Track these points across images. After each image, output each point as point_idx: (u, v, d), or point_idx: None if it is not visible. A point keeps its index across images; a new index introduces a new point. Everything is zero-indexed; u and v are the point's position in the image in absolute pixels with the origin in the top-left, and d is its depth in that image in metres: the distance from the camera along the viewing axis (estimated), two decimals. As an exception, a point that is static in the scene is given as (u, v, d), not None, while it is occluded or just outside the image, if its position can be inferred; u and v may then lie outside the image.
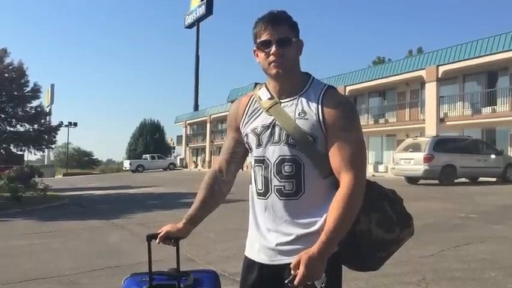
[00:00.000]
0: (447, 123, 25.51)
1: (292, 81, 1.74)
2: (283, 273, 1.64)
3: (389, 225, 1.70)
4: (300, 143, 1.66)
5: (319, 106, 1.68)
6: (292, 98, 1.73)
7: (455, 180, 17.48)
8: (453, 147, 17.77)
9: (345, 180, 1.60)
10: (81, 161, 74.88)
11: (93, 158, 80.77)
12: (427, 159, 16.92)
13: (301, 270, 1.47)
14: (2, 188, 17.89)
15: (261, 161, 1.74)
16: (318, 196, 1.65)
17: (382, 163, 31.15)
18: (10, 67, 20.90)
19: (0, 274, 5.85)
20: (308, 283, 1.50)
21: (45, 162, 62.91)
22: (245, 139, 1.81)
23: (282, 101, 1.75)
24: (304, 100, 1.71)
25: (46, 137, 22.05)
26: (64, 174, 50.14)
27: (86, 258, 6.68)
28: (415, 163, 17.31)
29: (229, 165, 1.90)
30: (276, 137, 1.71)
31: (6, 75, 20.67)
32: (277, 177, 1.69)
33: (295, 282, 1.47)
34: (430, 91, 26.15)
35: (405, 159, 17.87)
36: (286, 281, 1.51)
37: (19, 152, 24.07)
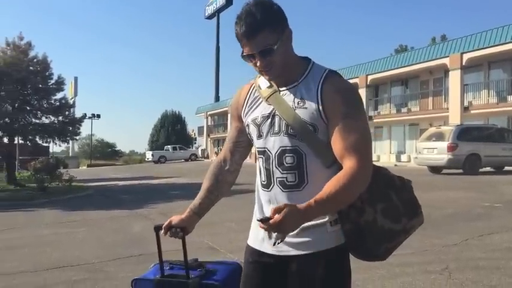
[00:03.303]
0: (471, 111, 25.02)
1: (288, 72, 1.67)
2: (288, 265, 1.63)
3: (395, 216, 1.63)
4: (300, 133, 1.60)
5: (319, 94, 1.61)
6: (291, 86, 1.67)
7: (480, 170, 17.18)
8: (477, 136, 17.46)
9: (348, 163, 1.53)
10: (105, 152, 75.94)
11: (116, 149, 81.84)
12: (451, 148, 16.66)
13: (278, 217, 1.40)
14: (28, 179, 18.33)
15: (262, 153, 1.69)
16: (321, 186, 1.54)
17: (404, 153, 30.80)
18: (35, 60, 21.22)
19: (28, 262, 6.00)
20: (275, 231, 1.45)
21: (70, 154, 64.07)
22: (247, 129, 1.77)
23: (281, 89, 1.68)
24: (303, 88, 1.64)
25: (70, 128, 22.37)
26: (88, 166, 51.01)
27: (111, 247, 6.81)
28: (438, 152, 17.07)
29: (233, 155, 1.86)
30: (276, 128, 1.65)
31: (31, 68, 21.00)
32: (279, 169, 1.64)
33: (270, 221, 1.41)
34: (454, 79, 25.66)
35: (428, 148, 17.63)
36: (257, 219, 1.48)
37: (44, 144, 24.51)
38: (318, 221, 1.59)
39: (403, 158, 30.03)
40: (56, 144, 23.67)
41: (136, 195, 15.17)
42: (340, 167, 1.56)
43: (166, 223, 1.82)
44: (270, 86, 1.71)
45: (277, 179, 1.64)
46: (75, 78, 46.87)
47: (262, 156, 1.69)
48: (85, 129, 66.32)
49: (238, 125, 1.83)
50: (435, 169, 17.84)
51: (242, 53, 1.63)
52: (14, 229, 9.08)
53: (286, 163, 1.62)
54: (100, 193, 16.59)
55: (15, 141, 23.13)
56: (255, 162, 1.74)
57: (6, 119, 20.24)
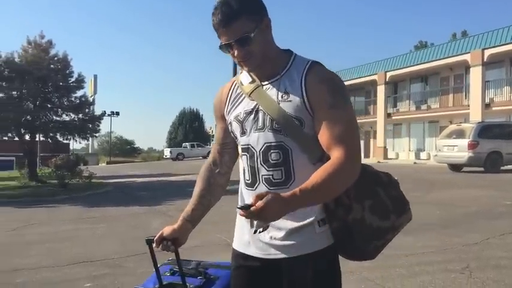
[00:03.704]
0: (493, 108, 24.61)
1: (269, 64, 1.60)
2: (277, 269, 1.57)
3: (384, 213, 1.59)
4: (286, 127, 1.53)
5: (303, 85, 1.54)
6: (274, 80, 1.60)
7: (501, 168, 16.89)
8: (499, 134, 17.14)
9: (335, 154, 1.46)
10: (124, 149, 76.72)
11: (135, 146, 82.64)
12: (472, 145, 16.41)
13: (260, 203, 1.32)
14: (49, 176, 18.62)
15: (246, 150, 1.62)
16: None
17: (424, 150, 30.48)
18: (55, 58, 21.53)
19: (49, 257, 6.11)
20: (256, 219, 1.37)
21: (90, 151, 64.81)
22: (229, 127, 1.70)
23: (263, 83, 1.62)
24: (286, 80, 1.58)
25: (90, 126, 22.65)
26: (107, 163, 51.57)
27: (130, 243, 6.88)
28: (458, 150, 16.83)
29: (222, 156, 1.80)
30: (260, 123, 1.58)
31: (51, 66, 21.30)
32: (265, 166, 1.57)
33: (251, 208, 1.34)
34: (475, 76, 25.26)
35: (448, 146, 17.40)
36: (238, 206, 1.38)
37: (65, 141, 24.91)
38: (306, 221, 1.53)
39: (423, 155, 29.73)
40: (76, 141, 24.08)
41: (154, 192, 15.29)
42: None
43: (158, 235, 1.74)
44: (252, 81, 1.65)
45: (263, 177, 1.58)
46: (95, 76, 47.33)
47: (246, 153, 1.62)
48: (104, 126, 66.87)
49: (223, 126, 1.76)
50: (455, 167, 17.60)
51: (219, 46, 1.58)
52: (36, 225, 9.24)
53: (272, 160, 1.56)
54: (119, 190, 16.78)
55: (37, 139, 23.50)
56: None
57: (28, 117, 20.58)
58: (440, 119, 28.95)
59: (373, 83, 33.36)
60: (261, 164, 1.58)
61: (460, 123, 20.51)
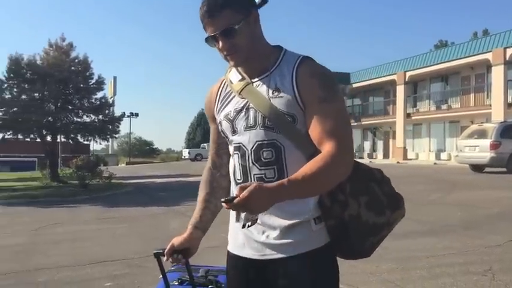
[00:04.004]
0: (516, 108, 24.17)
1: (258, 59, 1.56)
2: (273, 270, 1.52)
3: (379, 208, 1.55)
4: (278, 124, 1.49)
5: (294, 80, 1.50)
6: (264, 76, 1.56)
7: (525, 169, 16.55)
8: (522, 134, 16.82)
9: (327, 147, 1.42)
10: (143, 150, 77.47)
11: (154, 147, 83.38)
12: (494, 146, 16.13)
13: (244, 194, 1.28)
14: (70, 176, 18.90)
15: (238, 149, 1.58)
16: None
17: (444, 151, 30.07)
18: (76, 60, 21.85)
19: (70, 257, 6.19)
20: (241, 210, 1.33)
21: (109, 152, 65.54)
22: (219, 127, 1.66)
23: (253, 80, 1.57)
24: (277, 76, 1.54)
25: (110, 127, 22.90)
26: (127, 163, 52.12)
27: (149, 242, 6.93)
28: (480, 150, 16.56)
29: (220, 157, 1.75)
30: (251, 121, 1.54)
31: (72, 68, 21.59)
32: (257, 165, 1.53)
33: (235, 201, 1.29)
34: (497, 75, 24.83)
35: (470, 146, 17.14)
36: (222, 200, 1.32)
37: (85, 142, 25.21)
38: (302, 219, 1.49)
39: (443, 156, 29.34)
40: (96, 142, 24.27)
41: (173, 192, 15.39)
42: None
43: (168, 248, 1.69)
44: (242, 79, 1.61)
45: (255, 176, 1.53)
46: (114, 78, 47.85)
47: (237, 152, 1.58)
48: (124, 127, 67.71)
49: (216, 126, 1.71)
50: (477, 168, 17.33)
51: (205, 39, 1.54)
52: (57, 224, 9.37)
53: (264, 158, 1.51)
54: (138, 190, 16.93)
55: (58, 140, 23.87)
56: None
57: (50, 118, 20.90)
58: (461, 119, 28.54)
59: (393, 83, 33.05)
60: (253, 163, 1.53)
61: (482, 123, 20.15)
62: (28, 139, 22.74)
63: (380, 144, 37.90)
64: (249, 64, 1.57)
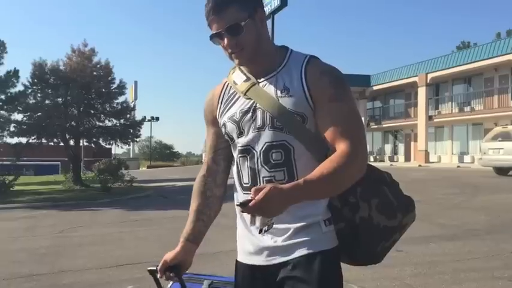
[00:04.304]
0: (541, 109, 23.65)
1: (264, 59, 1.53)
2: (280, 272, 1.47)
3: (390, 211, 1.50)
4: (288, 124, 1.45)
5: (303, 79, 1.47)
6: (270, 76, 1.52)
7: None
8: (548, 136, 16.46)
9: (342, 146, 1.39)
10: (163, 153, 78.14)
11: (174, 151, 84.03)
12: (519, 148, 15.81)
13: (259, 196, 1.24)
14: (93, 180, 19.16)
15: (245, 151, 1.52)
16: None
17: (468, 153, 29.59)
18: (98, 66, 22.19)
19: (93, 260, 6.27)
20: (257, 214, 1.28)
21: (131, 155, 66.36)
22: (223, 130, 1.59)
23: (259, 80, 1.53)
24: (284, 75, 1.50)
25: (131, 131, 23.18)
26: (148, 167, 52.65)
27: (171, 245, 6.92)
28: (505, 153, 16.26)
29: (218, 164, 1.68)
30: (259, 122, 1.49)
31: (94, 73, 21.95)
32: (266, 167, 1.48)
33: (250, 204, 1.25)
34: (522, 76, 24.34)
35: (494, 149, 16.83)
36: (237, 203, 1.26)
37: (107, 146, 25.59)
38: (311, 220, 1.45)
39: (466, 159, 28.88)
40: (117, 146, 24.60)
41: (194, 195, 15.44)
42: None
43: (160, 264, 1.63)
44: (247, 80, 1.56)
45: (264, 179, 1.48)
46: (135, 82, 48.48)
47: (245, 155, 1.52)
48: (145, 131, 68.56)
49: (216, 130, 1.65)
50: (501, 170, 17.00)
51: (209, 37, 1.51)
52: (80, 227, 9.50)
53: (273, 160, 1.47)
54: (159, 193, 17.06)
55: (80, 144, 24.23)
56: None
57: (73, 123, 21.26)
58: (484, 121, 28.05)
59: (414, 85, 32.68)
60: (262, 165, 1.49)
61: (506, 125, 19.80)
62: (52, 143, 23.15)
63: (401, 147, 37.49)
64: (255, 63, 1.53)
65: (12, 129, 21.68)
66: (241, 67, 1.58)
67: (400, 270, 4.74)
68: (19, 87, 21.92)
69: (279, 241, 1.47)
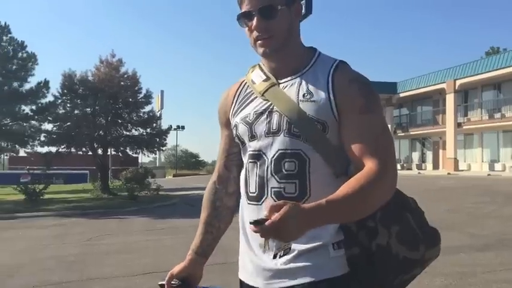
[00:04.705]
0: None
1: (290, 56, 1.39)
2: None
3: (412, 242, 1.33)
4: (306, 131, 1.31)
5: (329, 84, 1.32)
6: (293, 77, 1.38)
7: None
8: None
9: (370, 164, 1.24)
10: (189, 162, 78.79)
11: (200, 159, 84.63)
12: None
13: (277, 217, 1.07)
14: (120, 188, 19.43)
15: (256, 157, 1.37)
16: None
17: (498, 161, 28.89)
18: (125, 76, 22.61)
19: (120, 268, 6.33)
20: (272, 237, 1.10)
21: (157, 164, 67.09)
22: (234, 131, 1.45)
23: (280, 81, 1.39)
24: (309, 78, 1.36)
25: (157, 140, 23.48)
26: (174, 175, 53.10)
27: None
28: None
29: (229, 170, 1.54)
30: (274, 126, 1.35)
31: (122, 83, 22.35)
32: (276, 177, 1.33)
33: (266, 223, 1.07)
34: (554, 81, 23.70)
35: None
36: (250, 221, 1.11)
37: (134, 155, 25.98)
38: (318, 243, 1.28)
39: (497, 166, 28.19)
40: (144, 154, 24.95)
41: (219, 204, 15.50)
42: (351, 177, 1.26)
43: (167, 277, 1.53)
44: (267, 79, 1.42)
45: (272, 190, 1.33)
46: (162, 92, 49.05)
47: (255, 161, 1.37)
48: (171, 140, 69.56)
49: (229, 133, 1.51)
50: (534, 179, 16.53)
51: (238, 15, 1.37)
52: (108, 235, 9.63)
53: (285, 170, 1.32)
54: (185, 202, 17.17)
55: (108, 153, 24.64)
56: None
57: (101, 132, 21.66)
58: (515, 127, 27.38)
59: (442, 92, 32.17)
60: (272, 174, 1.33)
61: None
62: (80, 152, 23.64)
63: (429, 155, 36.86)
64: (279, 60, 1.40)
65: (42, 138, 22.34)
66: (263, 65, 1.46)
67: (430, 281, 4.63)
68: (49, 98, 22.61)
69: (280, 263, 1.31)
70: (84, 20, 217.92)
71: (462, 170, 29.70)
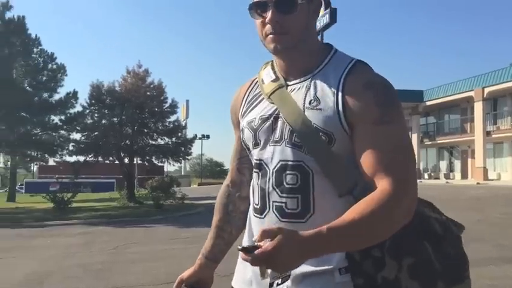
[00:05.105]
0: None
1: (303, 56, 1.24)
2: None
3: (428, 278, 1.14)
4: (308, 143, 1.17)
5: (340, 89, 1.17)
6: (303, 79, 1.23)
7: None
8: None
9: (383, 184, 1.08)
10: (214, 171, 79.14)
11: (225, 168, 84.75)
12: None
13: (268, 246, 0.96)
14: (146, 197, 19.63)
15: (258, 166, 1.27)
16: (334, 219, 1.06)
17: (529, 170, 28.11)
18: (151, 86, 22.93)
19: (146, 276, 6.38)
20: (263, 265, 0.99)
21: (182, 173, 67.63)
22: (241, 135, 1.34)
23: (289, 83, 1.26)
24: (319, 82, 1.21)
25: (183, 149, 23.69)
26: (199, 184, 53.40)
27: (222, 263, 7.00)
28: None
29: (242, 174, 1.44)
30: (277, 134, 1.22)
31: (148, 93, 22.68)
32: (277, 191, 1.21)
33: (256, 252, 0.96)
34: None
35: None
36: (238, 247, 1.01)
37: (160, 164, 26.26)
38: (323, 268, 1.16)
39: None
40: (169, 163, 25.21)
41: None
42: (363, 196, 1.10)
43: (176, 283, 1.47)
44: (276, 79, 1.28)
45: (274, 204, 1.22)
46: (187, 101, 49.55)
47: (258, 171, 1.27)
48: (196, 149, 70.15)
49: (240, 134, 1.40)
50: None
51: (249, 5, 1.23)
52: (135, 244, 9.72)
53: (287, 183, 1.20)
54: (210, 211, 16.91)
55: (134, 162, 24.97)
56: None
57: (127, 141, 21.98)
58: (547, 136, 26.64)
59: (469, 100, 31.59)
60: (273, 187, 1.22)
61: None
62: (107, 161, 24.01)
63: (457, 164, 36.14)
64: (291, 59, 1.25)
65: (71, 148, 22.82)
66: (275, 63, 1.32)
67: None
68: (78, 108, 23.11)
69: (284, 285, 1.17)
70: (111, 32, 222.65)
71: (492, 180, 28.99)
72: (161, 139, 23.27)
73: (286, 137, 1.21)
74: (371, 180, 1.11)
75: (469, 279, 1.21)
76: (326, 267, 1.16)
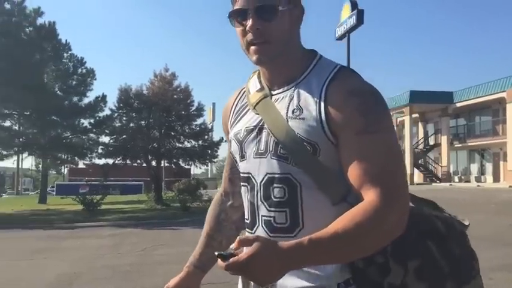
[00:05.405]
0: None
1: (286, 64, 1.19)
2: None
3: (436, 279, 1.10)
4: (294, 154, 1.13)
5: (322, 97, 1.12)
6: (286, 88, 1.19)
7: None
8: None
9: (370, 196, 1.03)
10: (240, 174, 79.28)
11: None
12: None
13: (243, 254, 0.93)
14: (173, 199, 19.81)
15: (246, 180, 1.23)
16: None
17: None
18: (178, 89, 23.15)
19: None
20: (238, 274, 0.97)
21: (209, 176, 67.93)
22: (229, 147, 1.33)
23: (273, 92, 1.21)
24: (302, 90, 1.16)
25: (209, 151, 23.82)
26: (225, 187, 53.49)
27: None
28: None
29: (234, 184, 1.41)
30: (262, 146, 1.18)
31: (175, 96, 22.90)
32: (265, 204, 1.17)
33: (231, 260, 0.93)
34: None
35: None
36: (216, 253, 0.97)
37: (186, 166, 26.46)
38: (320, 283, 1.10)
39: None
40: (196, 166, 25.39)
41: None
42: (358, 202, 1.06)
43: None
44: (261, 89, 1.25)
45: (263, 218, 1.18)
46: (213, 104, 49.82)
47: (246, 184, 1.24)
48: (222, 152, 70.36)
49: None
50: None
51: (229, 13, 1.18)
52: (162, 246, 9.82)
53: (275, 197, 1.15)
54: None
55: (162, 164, 25.24)
56: None
57: (155, 144, 22.24)
58: None
59: (501, 101, 30.81)
60: (262, 201, 1.18)
61: None
62: (135, 164, 24.34)
63: (489, 166, 35.26)
64: (275, 68, 1.21)
65: (100, 151, 23.23)
66: (261, 71, 1.27)
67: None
68: (106, 112, 23.51)
69: None
70: (139, 36, 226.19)
71: (525, 183, 28.20)
72: (188, 142, 23.47)
73: (271, 149, 1.17)
74: (358, 192, 1.07)
75: (479, 276, 1.17)
76: (322, 282, 1.11)
